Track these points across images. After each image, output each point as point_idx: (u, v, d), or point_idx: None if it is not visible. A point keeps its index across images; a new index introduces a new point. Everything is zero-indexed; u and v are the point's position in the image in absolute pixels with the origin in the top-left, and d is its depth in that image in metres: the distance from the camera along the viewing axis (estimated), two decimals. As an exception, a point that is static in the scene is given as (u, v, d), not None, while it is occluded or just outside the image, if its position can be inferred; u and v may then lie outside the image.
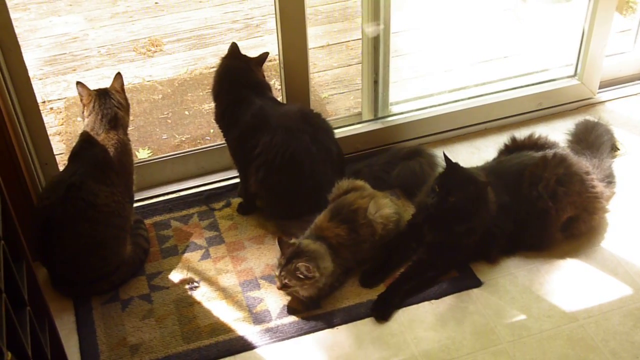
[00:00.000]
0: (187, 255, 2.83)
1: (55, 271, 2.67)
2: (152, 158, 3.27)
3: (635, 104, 3.54)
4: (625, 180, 3.06)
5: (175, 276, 2.75)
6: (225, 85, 2.94)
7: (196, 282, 2.73)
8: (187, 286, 2.71)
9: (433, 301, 2.61)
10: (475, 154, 3.27)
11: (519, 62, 3.93)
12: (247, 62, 2.97)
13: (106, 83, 2.91)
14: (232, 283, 2.71)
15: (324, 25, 4.52)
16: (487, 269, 2.72)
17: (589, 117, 3.35)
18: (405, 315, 2.56)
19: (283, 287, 2.54)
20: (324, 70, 4.12)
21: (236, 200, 3.06)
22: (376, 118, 3.34)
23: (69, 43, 4.47)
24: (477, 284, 2.67)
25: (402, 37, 4.10)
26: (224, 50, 3.06)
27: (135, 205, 2.90)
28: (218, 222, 2.97)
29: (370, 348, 2.46)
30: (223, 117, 2.94)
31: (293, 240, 2.60)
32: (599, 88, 3.56)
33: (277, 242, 2.58)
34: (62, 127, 3.77)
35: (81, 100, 2.77)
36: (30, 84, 2.74)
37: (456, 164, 2.62)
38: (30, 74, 2.77)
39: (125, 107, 2.81)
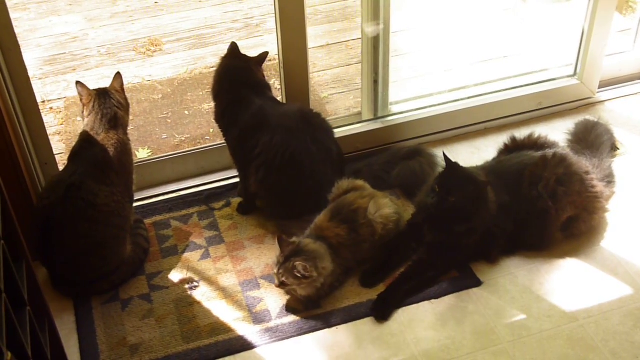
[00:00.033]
0: (187, 255, 2.83)
1: (55, 271, 2.67)
2: (152, 158, 3.26)
3: (635, 104, 3.53)
4: (625, 180, 3.05)
5: (175, 276, 2.75)
6: (225, 85, 2.94)
7: (196, 281, 2.73)
8: (187, 286, 2.71)
9: (433, 301, 2.61)
10: (475, 154, 3.27)
11: (518, 61, 3.93)
12: (247, 61, 2.97)
13: (106, 83, 2.90)
14: (232, 283, 2.71)
15: (324, 25, 4.51)
16: (487, 269, 2.72)
17: (589, 116, 3.34)
18: (405, 315, 2.56)
19: (281, 285, 2.55)
20: (324, 70, 4.12)
21: (236, 200, 3.05)
22: (376, 118, 3.34)
23: (69, 43, 4.46)
24: (477, 283, 2.67)
25: (401, 36, 4.09)
26: (223, 50, 3.06)
27: (135, 205, 2.90)
28: (218, 221, 2.97)
29: (370, 348, 2.46)
30: (223, 116, 2.94)
31: (293, 239, 2.60)
32: (599, 88, 3.56)
33: (277, 241, 2.58)
34: (62, 126, 3.76)
35: (81, 100, 2.76)
36: (30, 84, 2.74)
37: (456, 164, 2.62)
38: (30, 73, 2.77)
39: (125, 106, 2.81)
